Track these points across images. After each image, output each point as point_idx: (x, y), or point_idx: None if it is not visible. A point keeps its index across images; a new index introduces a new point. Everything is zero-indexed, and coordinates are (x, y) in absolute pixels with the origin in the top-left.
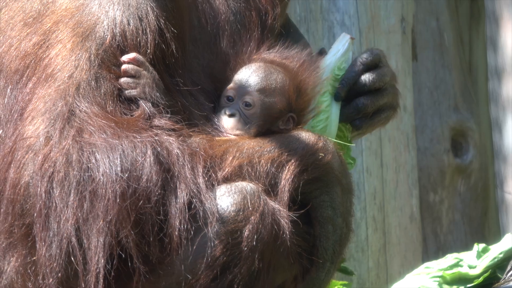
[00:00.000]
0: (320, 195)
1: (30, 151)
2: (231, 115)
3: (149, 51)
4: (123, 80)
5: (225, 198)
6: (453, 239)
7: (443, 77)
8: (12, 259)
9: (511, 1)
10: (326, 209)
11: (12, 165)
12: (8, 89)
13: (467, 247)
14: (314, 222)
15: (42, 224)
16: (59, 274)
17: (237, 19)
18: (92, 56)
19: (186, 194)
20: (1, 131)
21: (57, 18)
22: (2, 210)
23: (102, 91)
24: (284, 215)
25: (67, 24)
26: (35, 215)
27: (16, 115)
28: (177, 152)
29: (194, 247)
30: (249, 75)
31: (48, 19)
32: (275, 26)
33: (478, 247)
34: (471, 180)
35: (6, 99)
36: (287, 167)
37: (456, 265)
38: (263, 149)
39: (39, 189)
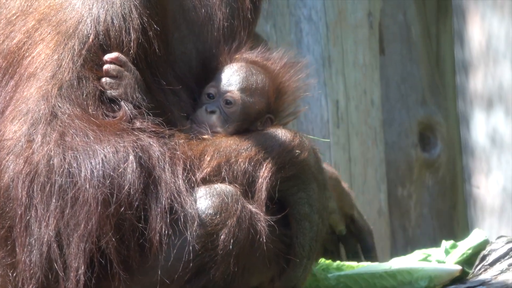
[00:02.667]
0: (297, 192)
1: (10, 153)
2: (211, 112)
3: (132, 50)
4: (104, 80)
5: (204, 201)
6: (422, 233)
7: (410, 71)
8: None
9: None
10: (303, 206)
11: None
12: None
13: (435, 241)
14: (291, 219)
15: (22, 229)
16: (39, 280)
17: (229, 0)
18: (75, 55)
19: (167, 198)
20: None
21: (40, 16)
22: None
23: (84, 92)
24: (261, 219)
25: (50, 21)
26: (15, 219)
27: None
28: (158, 155)
29: (173, 251)
30: (231, 74)
31: (31, 17)
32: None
33: (446, 243)
34: (439, 174)
35: None
36: (264, 165)
37: (424, 260)
38: (240, 148)
39: (19, 193)
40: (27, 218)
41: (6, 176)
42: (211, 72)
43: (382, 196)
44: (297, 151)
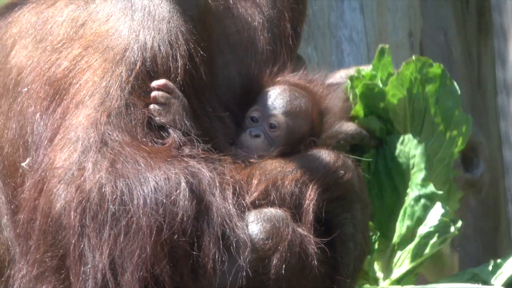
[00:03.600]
0: (341, 212)
1: (61, 181)
2: (256, 136)
3: (179, 77)
4: (152, 107)
5: (255, 226)
6: (465, 254)
7: None
8: None
9: None
10: (347, 227)
11: (43, 194)
12: (37, 116)
13: (479, 261)
14: (336, 240)
15: (76, 258)
16: None
17: (272, 24)
18: (123, 82)
19: (219, 223)
20: (29, 159)
21: (87, 43)
22: (34, 239)
23: (133, 119)
24: (311, 242)
25: (96, 49)
26: (68, 247)
27: (45, 141)
28: (208, 180)
29: (227, 276)
30: (274, 97)
31: (77, 44)
32: (299, 41)
33: (491, 263)
34: (482, 194)
35: (35, 126)
36: (310, 186)
37: (472, 279)
38: (286, 170)
39: (72, 221)
40: (81, 246)
41: (58, 204)
42: (254, 95)
43: None
44: (341, 171)
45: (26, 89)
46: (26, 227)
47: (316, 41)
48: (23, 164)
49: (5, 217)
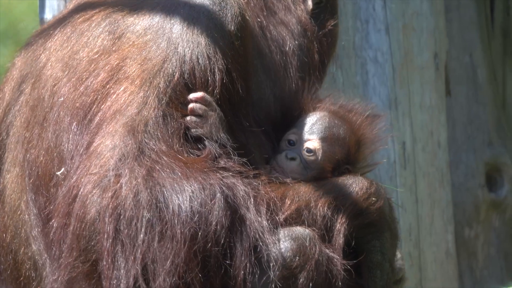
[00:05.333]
0: (371, 240)
1: (97, 187)
2: (291, 159)
3: (216, 90)
4: (189, 118)
5: (283, 243)
6: (489, 274)
7: (476, 112)
8: None
9: None
10: (376, 255)
11: (77, 199)
12: (74, 125)
13: (503, 282)
14: (363, 266)
15: (109, 262)
16: None
17: (301, 52)
18: (161, 93)
19: (252, 236)
20: (63, 169)
21: (124, 54)
22: (67, 243)
23: (169, 129)
24: (338, 264)
25: (134, 60)
26: (101, 252)
27: (81, 149)
28: (242, 194)
29: None
30: (313, 122)
31: (114, 56)
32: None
33: None
34: (506, 215)
35: (71, 135)
36: (342, 211)
37: None
38: (319, 193)
39: (106, 226)
40: (114, 252)
41: (92, 210)
42: (291, 118)
43: (449, 237)
44: (373, 199)
45: (62, 99)
46: (59, 232)
47: (341, 61)
48: (58, 173)
49: (36, 229)
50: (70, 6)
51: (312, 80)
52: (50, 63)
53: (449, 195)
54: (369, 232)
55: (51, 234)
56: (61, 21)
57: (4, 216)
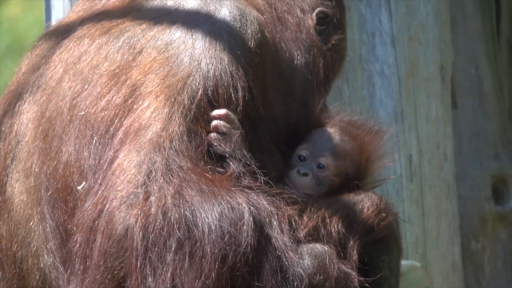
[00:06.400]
0: (381, 255)
1: (124, 204)
2: (304, 174)
3: (239, 108)
4: (213, 136)
5: (305, 261)
6: (496, 287)
7: (483, 125)
8: None
9: None
10: (384, 270)
11: (103, 214)
12: (95, 140)
13: None
14: (371, 281)
15: (138, 281)
16: None
17: (308, 68)
18: (185, 109)
19: (277, 256)
20: (84, 183)
21: (146, 69)
22: (93, 260)
23: (194, 146)
24: (354, 280)
25: (157, 74)
26: (130, 270)
27: (105, 164)
28: (267, 213)
29: None
30: (325, 138)
31: (136, 71)
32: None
33: None
34: None
35: (92, 149)
36: (356, 226)
37: None
38: (333, 209)
39: (135, 244)
40: (143, 270)
41: (120, 227)
42: (299, 134)
43: (456, 250)
44: (383, 214)
45: (82, 113)
46: (83, 247)
47: (347, 74)
48: (79, 188)
49: (52, 241)
50: (79, 12)
51: (319, 96)
52: (68, 76)
53: (455, 208)
54: (379, 248)
55: (74, 248)
56: (71, 29)
57: (11, 225)
